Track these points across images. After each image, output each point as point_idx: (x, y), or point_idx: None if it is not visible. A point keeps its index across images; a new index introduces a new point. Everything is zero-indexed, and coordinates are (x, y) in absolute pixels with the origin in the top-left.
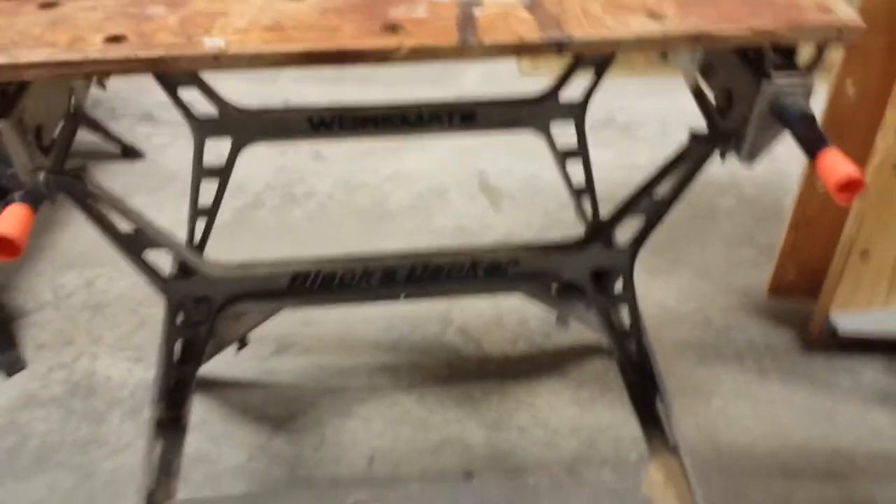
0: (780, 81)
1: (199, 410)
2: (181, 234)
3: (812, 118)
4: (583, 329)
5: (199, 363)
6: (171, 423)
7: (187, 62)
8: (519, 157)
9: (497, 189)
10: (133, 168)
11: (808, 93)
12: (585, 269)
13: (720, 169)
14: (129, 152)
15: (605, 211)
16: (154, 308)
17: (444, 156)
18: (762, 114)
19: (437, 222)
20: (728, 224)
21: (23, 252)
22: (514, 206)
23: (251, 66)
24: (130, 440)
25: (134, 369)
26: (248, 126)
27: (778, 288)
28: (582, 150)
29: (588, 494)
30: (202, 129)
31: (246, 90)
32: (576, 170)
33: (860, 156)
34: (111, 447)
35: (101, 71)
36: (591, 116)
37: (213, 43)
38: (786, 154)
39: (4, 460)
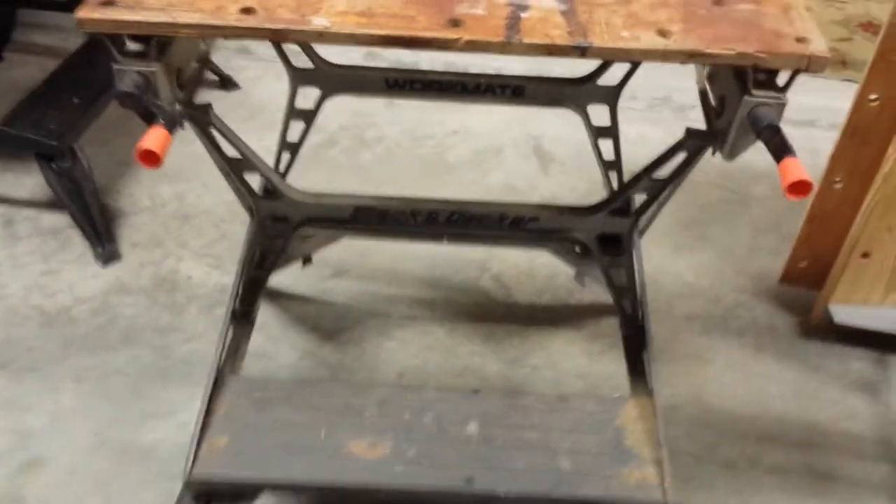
0: (758, 98)
1: (264, 315)
2: (266, 159)
3: (779, 130)
4: (603, 292)
5: (271, 270)
6: (242, 316)
7: (300, 35)
8: (572, 127)
9: (549, 154)
10: (228, 97)
11: (780, 108)
12: (593, 231)
13: (759, 157)
14: (227, 83)
15: None
16: (234, 225)
17: (504, 118)
18: (742, 121)
19: (490, 178)
20: (758, 210)
21: (161, 163)
22: (561, 171)
23: (346, 43)
24: (204, 331)
25: (212, 273)
26: (334, 79)
27: (789, 275)
28: (613, 130)
29: (572, 417)
30: (297, 77)
31: None
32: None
33: (874, 164)
34: (187, 334)
35: (236, 35)
36: (650, 94)
37: (319, 22)
38: (826, 150)
39: (97, 334)
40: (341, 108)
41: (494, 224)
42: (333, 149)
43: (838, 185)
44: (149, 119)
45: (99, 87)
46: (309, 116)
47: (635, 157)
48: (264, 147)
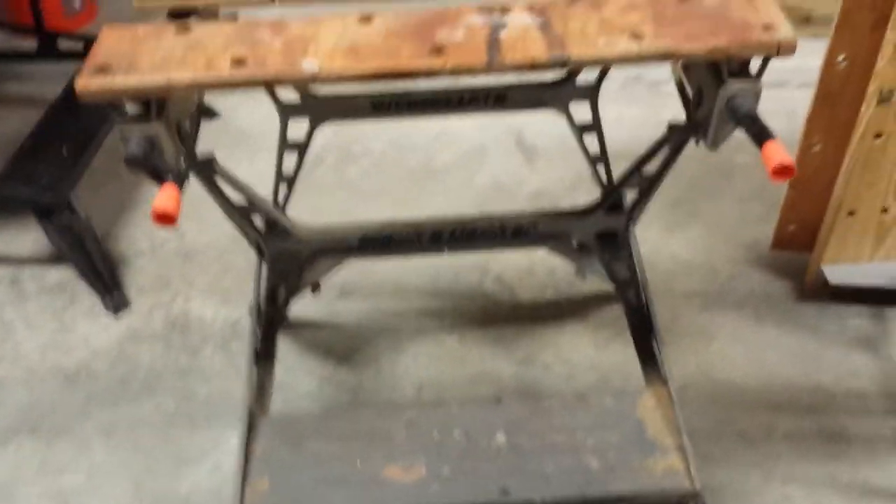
0: (734, 87)
1: (279, 346)
2: (258, 186)
3: (757, 117)
4: (602, 280)
5: (286, 305)
6: (264, 354)
7: (292, 80)
8: (552, 117)
9: (532, 147)
10: (210, 126)
11: (756, 95)
12: (592, 231)
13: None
14: (207, 112)
15: None
16: (236, 256)
17: (485, 116)
18: (721, 111)
19: (477, 180)
20: (742, 180)
21: (177, 221)
22: (547, 163)
23: (336, 82)
24: (221, 369)
25: (222, 309)
26: (323, 109)
27: (780, 241)
28: (596, 125)
29: (593, 414)
30: (286, 111)
31: None
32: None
33: (848, 124)
34: (206, 375)
35: (231, 86)
36: (622, 74)
37: (309, 65)
38: (801, 110)
39: (118, 386)
40: (325, 126)
41: (496, 236)
42: (321, 167)
43: (816, 148)
44: (157, 178)
45: (85, 134)
46: (302, 147)
47: (616, 138)
48: (256, 172)
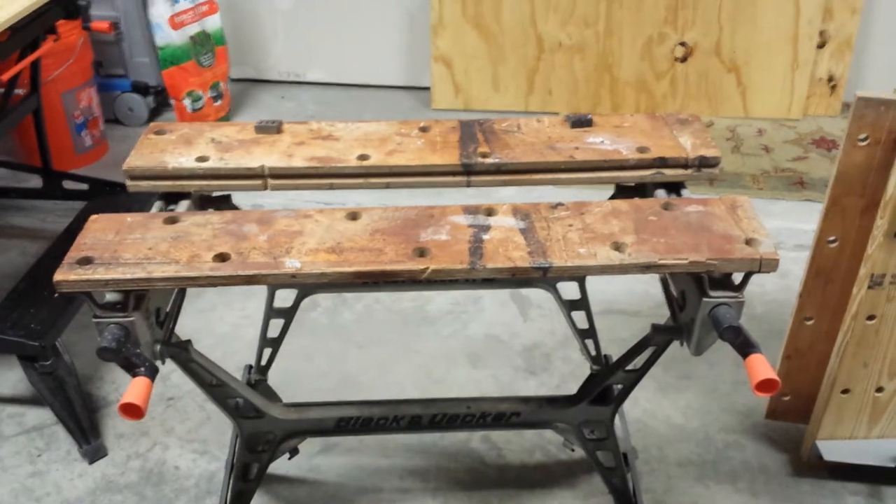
0: (716, 298)
1: (255, 502)
2: (247, 327)
3: (740, 329)
4: None
5: (259, 481)
6: None
7: (273, 279)
8: None
9: (527, 298)
10: None
11: (739, 307)
12: (574, 421)
13: None
14: None
15: (629, 328)
16: None
17: None
18: (704, 321)
19: (470, 330)
20: None
21: (144, 415)
22: (540, 316)
23: (318, 281)
24: None
25: (199, 461)
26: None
27: (774, 411)
28: (584, 302)
29: None
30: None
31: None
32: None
33: (841, 300)
34: None
35: (211, 284)
36: None
37: (291, 264)
38: (795, 271)
39: None
40: None
41: (477, 422)
42: (315, 311)
43: (810, 322)
44: (129, 371)
45: None
46: (288, 314)
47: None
48: (247, 315)
